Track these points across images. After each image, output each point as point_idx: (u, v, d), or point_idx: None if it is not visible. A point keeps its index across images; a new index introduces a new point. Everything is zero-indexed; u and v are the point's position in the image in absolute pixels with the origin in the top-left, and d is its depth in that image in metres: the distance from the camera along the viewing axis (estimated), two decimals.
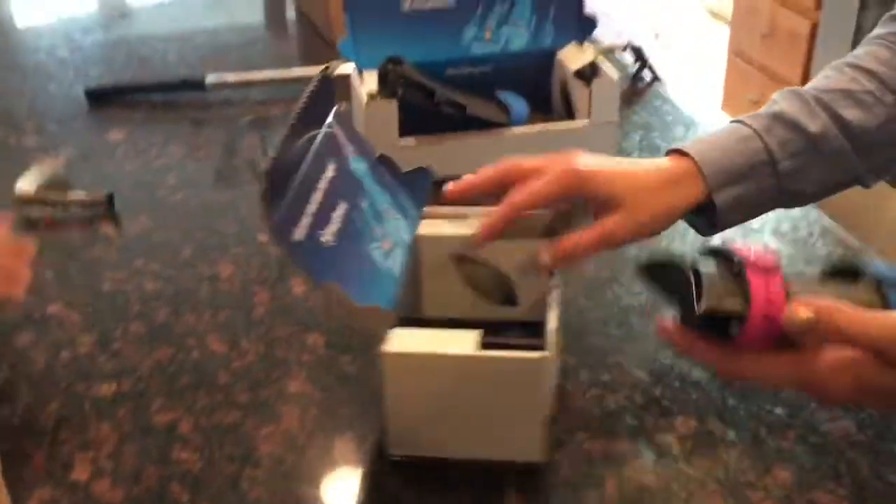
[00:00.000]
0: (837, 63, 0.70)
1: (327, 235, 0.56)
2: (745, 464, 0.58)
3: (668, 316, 0.56)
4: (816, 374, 0.49)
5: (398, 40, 0.94)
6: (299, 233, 0.54)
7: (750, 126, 0.65)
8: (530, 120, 0.95)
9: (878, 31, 0.71)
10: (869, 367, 0.47)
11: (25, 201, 0.86)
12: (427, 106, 0.88)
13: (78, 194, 0.87)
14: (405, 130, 0.92)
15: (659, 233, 0.64)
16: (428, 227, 0.69)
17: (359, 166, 0.64)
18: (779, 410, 0.61)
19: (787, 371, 0.50)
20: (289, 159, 0.56)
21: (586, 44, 0.98)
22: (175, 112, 1.09)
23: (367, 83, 0.91)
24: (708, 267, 0.53)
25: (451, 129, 0.91)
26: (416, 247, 0.68)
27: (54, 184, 0.90)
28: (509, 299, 0.69)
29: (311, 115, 0.61)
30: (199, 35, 1.35)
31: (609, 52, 1.18)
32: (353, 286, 0.55)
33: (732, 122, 0.67)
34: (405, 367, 0.56)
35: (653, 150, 0.97)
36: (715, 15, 3.72)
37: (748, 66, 2.67)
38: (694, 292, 0.52)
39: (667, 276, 0.57)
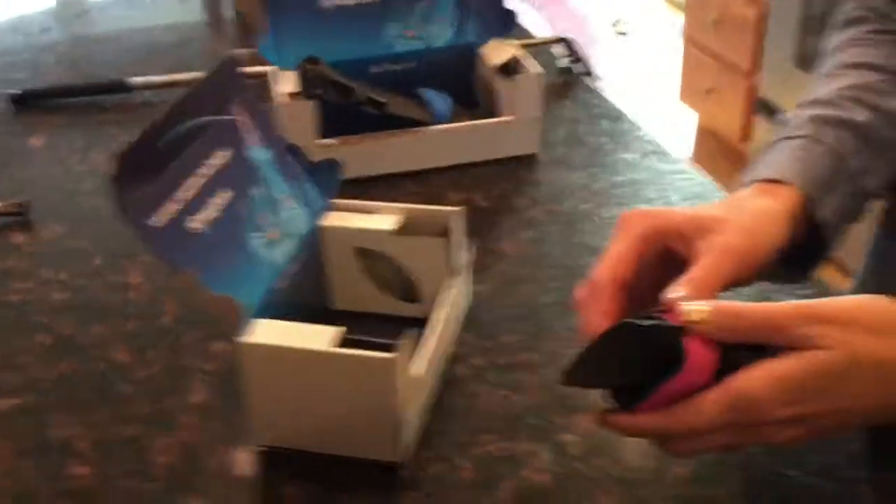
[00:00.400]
0: (824, 72, 0.65)
1: (197, 222, 0.56)
2: (643, 461, 0.58)
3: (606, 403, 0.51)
4: (748, 393, 0.45)
5: (319, 39, 0.93)
6: (160, 219, 0.54)
7: (798, 136, 0.58)
8: (454, 117, 0.94)
9: (836, 40, 0.68)
10: (791, 365, 0.44)
11: None
12: (346, 105, 0.87)
13: None
14: (328, 131, 0.91)
15: (770, 254, 0.52)
16: (334, 219, 0.68)
17: (259, 155, 0.64)
18: None
19: (720, 408, 0.45)
20: (164, 144, 0.55)
21: (509, 38, 0.97)
22: (99, 116, 1.07)
23: (287, 83, 0.90)
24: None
25: (374, 129, 0.90)
26: (321, 238, 0.68)
27: None
28: (411, 296, 0.69)
29: (206, 102, 0.60)
30: (132, 35, 1.33)
31: (538, 46, 1.18)
32: (218, 275, 0.55)
33: (773, 143, 0.60)
34: (261, 358, 0.56)
35: (578, 144, 0.97)
36: (673, 3, 3.73)
37: (701, 54, 2.68)
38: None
39: (594, 363, 0.49)
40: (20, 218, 0.85)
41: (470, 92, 1.00)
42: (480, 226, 0.83)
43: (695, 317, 0.46)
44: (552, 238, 0.81)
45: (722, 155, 2.80)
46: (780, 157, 0.58)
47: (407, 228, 0.68)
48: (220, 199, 0.59)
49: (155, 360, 0.68)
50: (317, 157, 0.84)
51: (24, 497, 0.57)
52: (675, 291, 0.48)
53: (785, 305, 0.46)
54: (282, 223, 0.63)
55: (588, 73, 1.13)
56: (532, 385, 0.64)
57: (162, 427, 0.62)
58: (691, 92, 2.81)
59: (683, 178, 0.90)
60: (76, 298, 0.75)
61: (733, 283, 0.51)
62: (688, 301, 0.47)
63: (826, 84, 0.63)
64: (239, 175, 0.61)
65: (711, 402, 0.46)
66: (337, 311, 0.72)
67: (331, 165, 0.68)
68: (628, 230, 0.53)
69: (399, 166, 0.91)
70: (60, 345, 0.69)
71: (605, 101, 1.06)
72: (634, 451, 0.58)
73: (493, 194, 0.88)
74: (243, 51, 0.61)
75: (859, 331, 0.45)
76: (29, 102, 1.10)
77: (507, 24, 0.96)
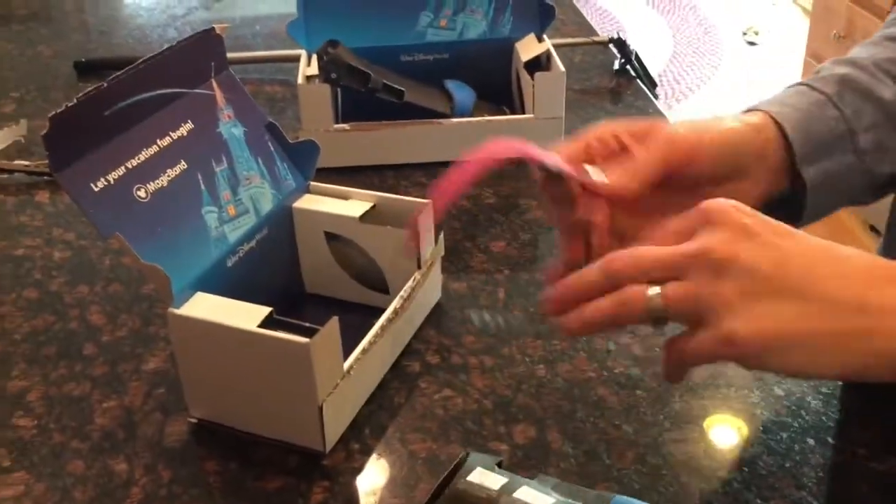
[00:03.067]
0: (869, 41, 0.63)
1: (143, 191, 0.57)
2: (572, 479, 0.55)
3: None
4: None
5: (350, 22, 0.93)
6: (100, 183, 0.55)
7: (820, 90, 0.56)
8: (479, 111, 0.92)
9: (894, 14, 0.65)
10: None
11: None
12: (362, 91, 0.87)
13: (23, 162, 0.90)
14: (349, 117, 0.91)
15: (715, 147, 0.53)
16: (306, 202, 0.68)
17: (231, 130, 0.64)
18: None
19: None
20: (114, 111, 0.56)
21: (546, 35, 0.94)
22: None
23: (312, 67, 0.91)
24: None
25: (393, 118, 0.90)
26: (293, 220, 0.68)
27: (12, 149, 0.94)
28: (380, 286, 0.68)
29: (176, 73, 0.61)
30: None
31: (597, 47, 1.15)
32: (156, 244, 0.56)
33: (797, 84, 0.59)
34: (189, 330, 0.56)
35: None
36: (809, 12, 3.55)
37: None
38: None
39: None
40: (49, 178, 0.89)
41: (505, 89, 0.98)
42: (479, 223, 0.81)
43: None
44: (549, 243, 0.78)
45: None
46: (791, 100, 0.56)
47: (376, 217, 0.67)
48: (175, 171, 0.60)
49: (124, 325, 0.69)
50: (330, 141, 0.85)
51: None
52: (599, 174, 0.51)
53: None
54: (243, 201, 0.64)
55: (641, 76, 1.09)
56: (478, 390, 0.62)
57: (110, 390, 0.63)
58: None
59: None
60: (73, 259, 0.77)
61: (672, 169, 0.51)
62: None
63: (866, 49, 0.60)
64: (200, 149, 0.62)
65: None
66: (311, 295, 0.72)
67: (309, 147, 0.68)
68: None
69: (412, 157, 0.90)
70: (44, 300, 0.72)
71: (653, 107, 1.02)
72: (563, 470, 0.56)
73: (502, 192, 0.86)
74: (222, 26, 0.61)
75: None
76: (92, 70, 1.15)
77: (543, 18, 0.94)
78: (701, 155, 0.52)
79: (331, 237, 0.68)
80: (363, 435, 0.59)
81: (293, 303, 0.70)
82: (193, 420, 0.60)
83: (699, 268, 0.42)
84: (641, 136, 0.52)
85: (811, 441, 0.57)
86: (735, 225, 0.43)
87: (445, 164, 0.90)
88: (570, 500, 0.50)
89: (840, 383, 0.61)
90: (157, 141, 0.59)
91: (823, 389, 0.61)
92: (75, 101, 0.53)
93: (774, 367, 0.43)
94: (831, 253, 0.43)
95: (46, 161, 0.88)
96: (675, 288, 0.43)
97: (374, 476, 0.56)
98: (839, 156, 0.54)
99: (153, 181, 0.58)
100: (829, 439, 0.57)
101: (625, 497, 0.50)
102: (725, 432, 0.58)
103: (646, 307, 0.43)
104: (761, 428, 0.58)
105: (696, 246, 0.43)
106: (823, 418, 0.58)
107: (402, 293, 0.64)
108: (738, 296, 0.41)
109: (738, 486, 0.54)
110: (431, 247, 0.67)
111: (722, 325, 0.42)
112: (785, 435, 0.57)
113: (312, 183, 0.70)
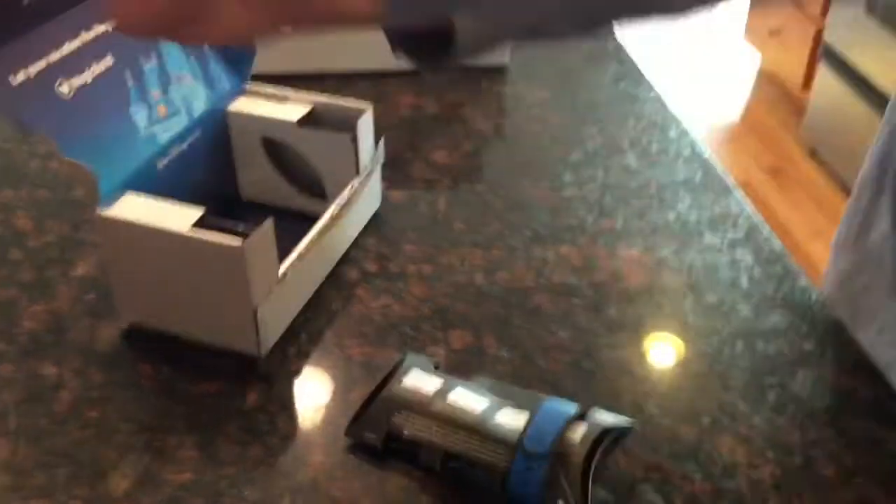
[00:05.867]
0: None
1: (66, 87, 0.54)
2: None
3: None
4: None
5: None
6: (20, 76, 0.52)
7: None
8: None
9: None
10: None
11: None
12: None
13: None
14: None
15: None
16: (241, 105, 0.66)
17: None
18: None
19: None
20: (33, 2, 0.53)
21: None
22: None
23: None
24: None
25: None
26: (227, 124, 0.66)
27: None
28: (317, 191, 0.67)
29: None
30: None
31: None
32: (81, 143, 0.54)
33: None
34: (118, 233, 0.55)
35: (553, 61, 0.92)
36: None
37: None
38: None
39: None
40: None
41: None
42: (421, 132, 0.80)
43: None
44: (490, 152, 0.78)
45: (782, 102, 2.67)
46: None
47: (315, 121, 0.65)
48: (100, 66, 0.57)
49: (52, 231, 0.67)
50: (266, 46, 0.82)
51: None
52: None
53: None
54: (174, 100, 0.61)
55: None
56: (415, 297, 0.62)
57: (38, 294, 0.61)
58: (756, 31, 2.67)
59: (647, 105, 0.84)
60: (1, 160, 0.75)
61: None
62: None
63: None
64: (128, 44, 0.59)
65: None
66: (246, 202, 0.70)
67: (246, 48, 0.66)
68: None
69: (356, 63, 0.87)
70: None
71: None
72: (498, 373, 0.56)
73: (444, 102, 0.85)
74: None
75: None
76: None
77: None
78: None
79: (267, 141, 0.67)
80: (299, 340, 0.59)
81: (228, 209, 0.68)
82: (125, 325, 0.59)
83: None
84: None
85: (740, 345, 0.58)
86: None
87: (392, 75, 0.89)
88: (503, 400, 0.51)
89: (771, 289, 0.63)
90: (82, 34, 0.57)
91: (753, 298, 0.62)
92: None
93: None
94: None
95: None
96: None
97: (310, 380, 0.56)
98: None
99: (77, 76, 0.56)
100: (760, 342, 0.58)
101: (558, 398, 0.50)
102: (658, 339, 0.59)
103: None
104: (693, 333, 0.59)
105: None
106: (752, 325, 0.59)
107: (339, 199, 0.63)
108: None
109: (668, 389, 0.55)
110: (371, 153, 0.66)
111: None
112: (715, 339, 0.58)
113: (248, 85, 0.67)
